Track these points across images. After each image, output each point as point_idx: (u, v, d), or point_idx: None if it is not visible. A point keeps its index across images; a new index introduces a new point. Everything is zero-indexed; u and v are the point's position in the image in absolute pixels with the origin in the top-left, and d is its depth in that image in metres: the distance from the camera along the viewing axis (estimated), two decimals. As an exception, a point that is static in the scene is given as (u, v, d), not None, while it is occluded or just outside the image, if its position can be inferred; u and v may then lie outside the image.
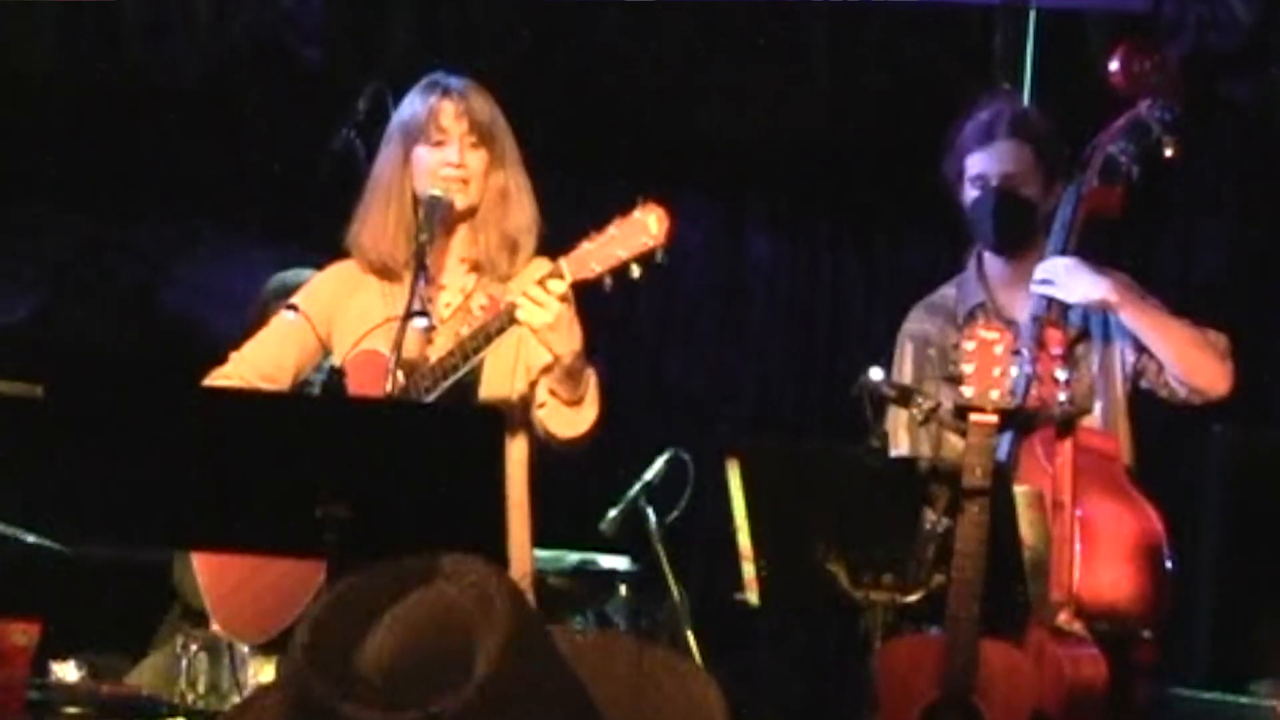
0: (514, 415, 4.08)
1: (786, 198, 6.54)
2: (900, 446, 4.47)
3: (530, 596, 3.59)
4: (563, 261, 3.89)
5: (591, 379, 4.02)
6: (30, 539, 4.68)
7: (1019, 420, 4.07)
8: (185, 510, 3.72)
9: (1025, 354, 4.06)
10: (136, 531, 3.93)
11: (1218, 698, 4.79)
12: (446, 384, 3.96)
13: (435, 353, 4.06)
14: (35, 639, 3.99)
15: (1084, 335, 4.48)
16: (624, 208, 3.87)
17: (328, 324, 4.23)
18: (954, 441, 4.24)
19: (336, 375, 3.97)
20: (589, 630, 5.28)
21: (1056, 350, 4.06)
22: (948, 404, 4.07)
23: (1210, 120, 5.66)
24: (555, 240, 4.08)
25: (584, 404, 4.01)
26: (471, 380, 4.05)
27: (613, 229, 3.86)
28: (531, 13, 6.29)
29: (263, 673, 4.14)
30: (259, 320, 4.51)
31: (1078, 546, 4.10)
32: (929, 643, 3.99)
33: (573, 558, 5.58)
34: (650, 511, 5.41)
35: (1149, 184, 4.49)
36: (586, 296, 3.92)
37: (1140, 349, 4.45)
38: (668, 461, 5.45)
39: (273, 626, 4.07)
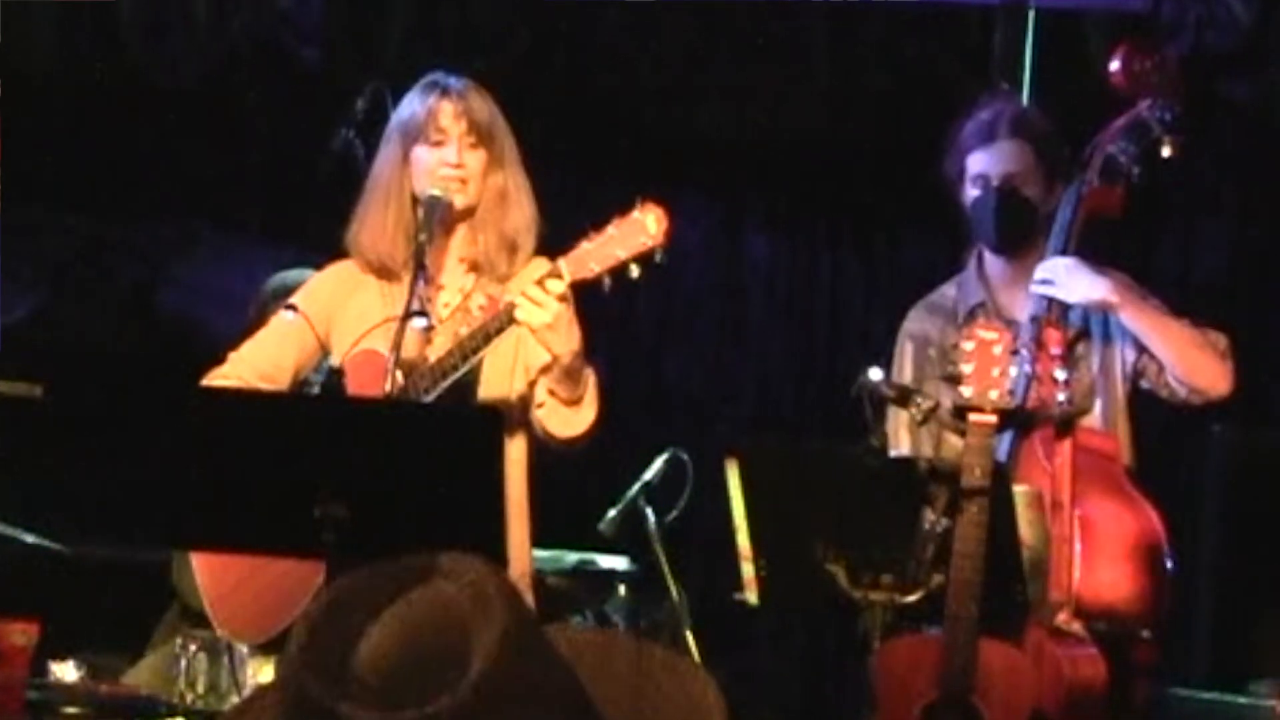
0: (513, 415, 4.07)
1: (786, 198, 6.53)
2: (900, 446, 4.47)
3: (529, 596, 3.59)
4: (562, 261, 3.89)
5: (590, 379, 4.02)
6: (30, 539, 4.68)
7: (1018, 420, 4.07)
8: (184, 510, 3.72)
9: (1025, 354, 4.06)
10: (136, 531, 3.93)
11: (1217, 698, 4.78)
12: (445, 384, 3.96)
13: (434, 353, 4.06)
14: (34, 639, 3.99)
15: (1084, 335, 4.47)
16: (623, 208, 3.87)
17: (327, 324, 4.23)
18: (954, 441, 4.24)
19: (335, 375, 3.97)
20: (588, 629, 5.27)
21: (1056, 350, 4.06)
22: (947, 404, 4.07)
23: (1210, 120, 5.65)
24: (554, 240, 4.08)
25: (583, 404, 4.01)
26: (470, 380, 4.05)
27: (612, 229, 3.86)
28: (531, 13, 6.28)
29: (262, 673, 4.13)
30: (258, 320, 4.51)
31: (1077, 546, 4.10)
32: (928, 643, 3.99)
33: (572, 558, 5.57)
34: (649, 511, 5.39)
35: (1149, 184, 4.49)
36: (586, 296, 3.92)
37: (1140, 349, 4.44)
38: (667, 461, 5.44)
39: (272, 626, 4.06)
